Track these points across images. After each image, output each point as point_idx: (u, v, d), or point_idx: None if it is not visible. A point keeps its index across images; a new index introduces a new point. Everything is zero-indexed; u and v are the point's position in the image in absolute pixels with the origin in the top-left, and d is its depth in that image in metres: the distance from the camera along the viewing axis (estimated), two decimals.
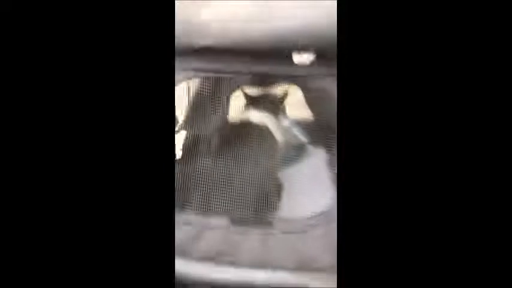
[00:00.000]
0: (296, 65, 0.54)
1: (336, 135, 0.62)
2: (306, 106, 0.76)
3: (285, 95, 0.78)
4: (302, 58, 0.53)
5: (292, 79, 0.62)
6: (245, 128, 0.73)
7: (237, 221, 0.58)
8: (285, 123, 0.81)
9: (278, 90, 0.77)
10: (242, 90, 0.77)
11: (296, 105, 0.78)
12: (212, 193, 0.63)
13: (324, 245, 0.57)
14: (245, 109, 0.77)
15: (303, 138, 0.82)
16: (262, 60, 0.56)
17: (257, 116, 0.76)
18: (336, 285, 0.37)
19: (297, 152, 0.80)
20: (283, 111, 0.80)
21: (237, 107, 0.78)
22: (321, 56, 0.53)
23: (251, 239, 0.56)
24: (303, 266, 0.56)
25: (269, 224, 0.59)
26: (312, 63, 0.53)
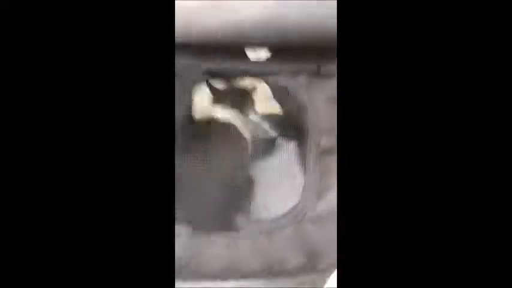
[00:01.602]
0: (251, 61, 0.49)
1: (304, 130, 0.59)
2: (274, 100, 0.72)
3: (253, 89, 0.74)
4: (257, 54, 0.49)
5: (248, 75, 0.57)
6: (210, 126, 0.69)
7: (201, 228, 0.54)
8: (254, 118, 0.78)
9: (245, 84, 0.74)
10: (208, 85, 0.73)
11: (264, 99, 0.75)
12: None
13: (293, 245, 0.54)
14: (211, 105, 0.73)
15: (272, 132, 0.79)
16: (216, 56, 0.52)
17: (223, 113, 0.71)
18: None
19: (267, 147, 0.77)
20: (252, 106, 0.76)
21: (201, 104, 0.74)
22: (276, 52, 0.49)
23: (217, 247, 0.53)
24: (272, 271, 0.53)
25: (236, 227, 0.55)
26: (268, 60, 0.49)
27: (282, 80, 0.53)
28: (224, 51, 0.50)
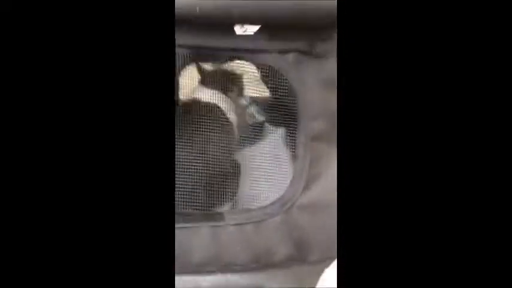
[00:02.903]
0: (239, 37, 0.45)
1: (294, 115, 0.55)
2: (262, 83, 0.68)
3: (242, 71, 0.70)
4: (245, 29, 0.44)
5: (236, 53, 0.53)
6: (196, 108, 0.64)
7: (186, 218, 0.50)
8: (242, 101, 0.74)
9: (234, 67, 0.69)
10: (196, 66, 0.68)
11: (253, 82, 0.71)
12: None
13: (282, 234, 0.51)
14: (198, 87, 0.68)
15: (260, 117, 0.75)
16: (203, 32, 0.47)
17: (209, 95, 0.66)
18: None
19: (255, 132, 0.73)
20: (240, 89, 0.72)
21: (188, 85, 0.69)
22: (265, 27, 0.45)
23: (202, 238, 0.49)
24: (260, 262, 0.49)
25: (220, 216, 0.51)
26: (255, 34, 0.45)
27: (270, 59, 0.49)
28: (212, 27, 0.45)
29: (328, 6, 0.42)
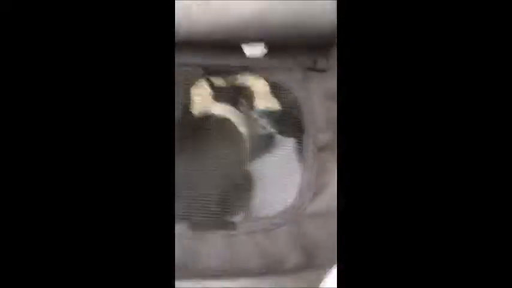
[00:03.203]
0: (248, 57, 0.48)
1: (301, 126, 0.57)
2: (272, 96, 0.71)
3: (252, 85, 0.72)
4: (253, 50, 0.47)
5: (246, 71, 0.55)
6: (209, 122, 0.66)
7: (199, 227, 0.52)
8: (252, 114, 0.76)
9: (244, 81, 0.72)
10: (207, 81, 0.71)
11: (263, 95, 0.73)
12: None
13: (291, 242, 0.53)
14: (210, 102, 0.71)
15: (271, 128, 0.77)
16: (214, 53, 0.50)
17: (221, 109, 0.69)
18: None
19: (265, 143, 0.75)
20: (251, 102, 0.74)
21: (200, 101, 0.72)
22: (272, 48, 0.48)
23: (215, 246, 0.51)
24: (270, 269, 0.51)
25: (233, 226, 0.53)
26: (264, 55, 0.47)
27: (278, 76, 0.52)
28: (221, 48, 0.48)
29: (327, 25, 0.45)
